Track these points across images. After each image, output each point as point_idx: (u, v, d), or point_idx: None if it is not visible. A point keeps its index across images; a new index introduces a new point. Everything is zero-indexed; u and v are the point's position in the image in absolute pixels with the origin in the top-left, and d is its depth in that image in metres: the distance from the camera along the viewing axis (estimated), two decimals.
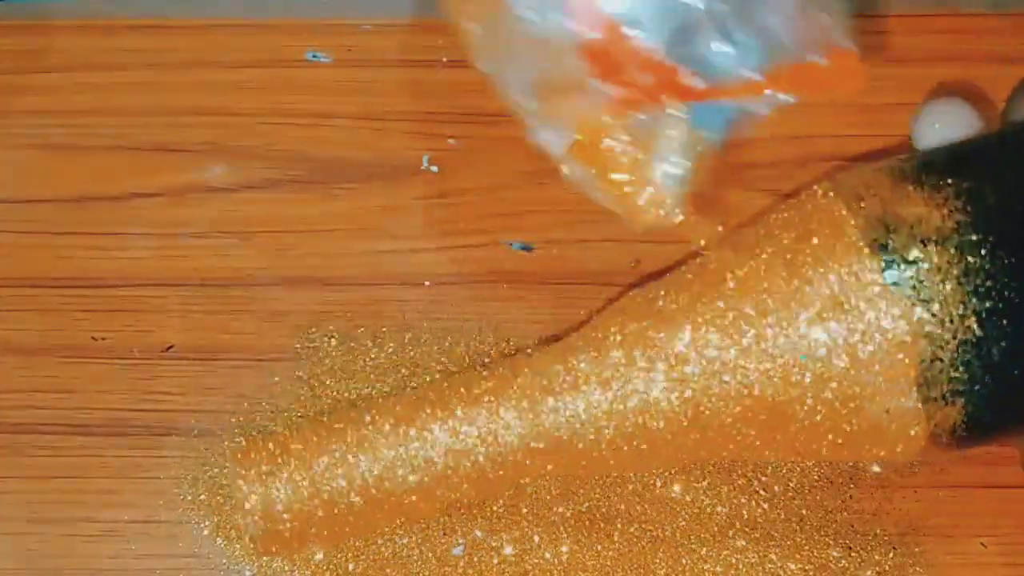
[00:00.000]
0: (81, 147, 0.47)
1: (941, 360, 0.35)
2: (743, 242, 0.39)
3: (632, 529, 0.42)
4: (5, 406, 0.44)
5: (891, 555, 0.42)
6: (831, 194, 0.38)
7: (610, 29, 0.39)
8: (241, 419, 0.44)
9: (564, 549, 0.42)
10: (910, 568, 0.42)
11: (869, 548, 0.42)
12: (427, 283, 0.46)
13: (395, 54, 0.49)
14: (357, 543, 0.42)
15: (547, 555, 0.42)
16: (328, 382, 0.44)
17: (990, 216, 0.36)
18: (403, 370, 0.44)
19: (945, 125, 0.43)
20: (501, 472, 0.39)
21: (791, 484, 0.42)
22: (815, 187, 0.39)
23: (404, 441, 0.38)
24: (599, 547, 0.42)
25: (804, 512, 0.42)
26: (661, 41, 0.39)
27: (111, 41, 0.49)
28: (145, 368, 0.45)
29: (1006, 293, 0.35)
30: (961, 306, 0.35)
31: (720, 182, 0.44)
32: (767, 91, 0.40)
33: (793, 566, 0.41)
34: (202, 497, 0.43)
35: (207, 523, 0.42)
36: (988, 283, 0.35)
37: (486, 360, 0.44)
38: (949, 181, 0.37)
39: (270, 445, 0.39)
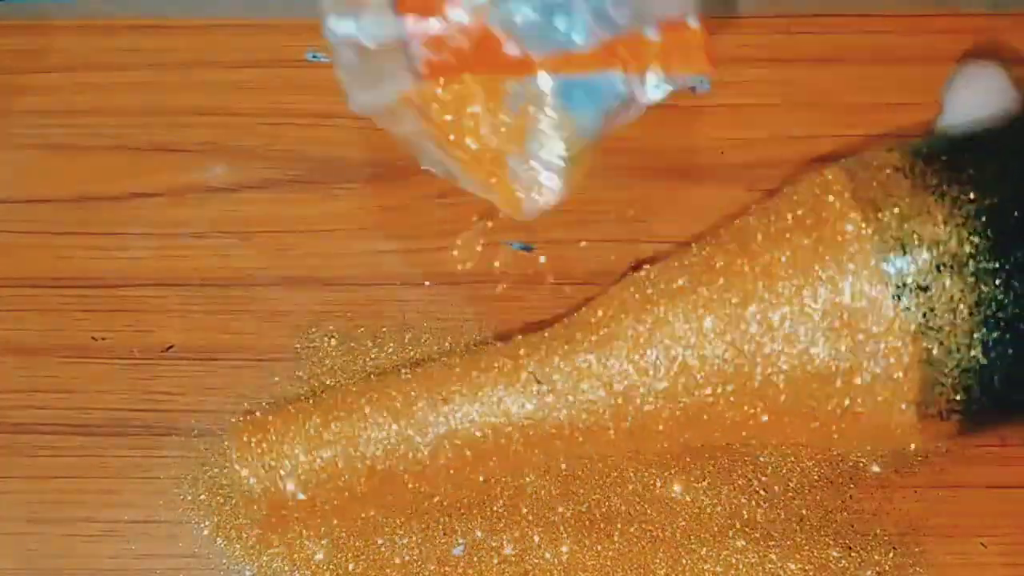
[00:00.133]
0: (81, 147, 0.47)
1: (942, 385, 0.35)
2: (747, 236, 0.39)
3: (632, 529, 0.42)
4: (5, 406, 0.44)
5: (891, 555, 0.42)
6: (846, 195, 0.37)
7: None
8: (241, 419, 0.44)
9: (564, 549, 0.42)
10: (910, 568, 0.42)
11: (869, 548, 0.42)
12: (427, 283, 0.46)
13: None
14: (357, 543, 0.42)
15: (547, 555, 0.42)
16: (328, 382, 0.44)
17: (1009, 240, 0.35)
18: (403, 370, 0.44)
19: (979, 92, 0.40)
20: (505, 451, 0.39)
21: (791, 484, 0.42)
22: (827, 176, 0.38)
23: (409, 417, 0.39)
24: (599, 547, 0.42)
25: (804, 512, 0.42)
26: (495, 5, 0.38)
27: (111, 41, 0.49)
28: (145, 368, 0.45)
29: (1015, 323, 0.35)
30: (969, 337, 0.35)
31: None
32: (612, 65, 0.38)
33: (793, 566, 0.41)
34: (202, 497, 0.43)
35: (207, 523, 0.42)
36: (999, 313, 0.35)
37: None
38: (971, 197, 0.36)
39: (270, 419, 0.40)
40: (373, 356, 0.44)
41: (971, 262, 0.35)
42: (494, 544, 0.42)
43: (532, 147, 0.39)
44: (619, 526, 0.42)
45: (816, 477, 0.42)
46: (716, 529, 0.42)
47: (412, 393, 0.39)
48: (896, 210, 0.36)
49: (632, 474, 0.42)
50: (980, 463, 0.42)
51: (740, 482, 0.42)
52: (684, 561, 0.41)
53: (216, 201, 0.47)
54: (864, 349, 0.35)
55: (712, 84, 0.47)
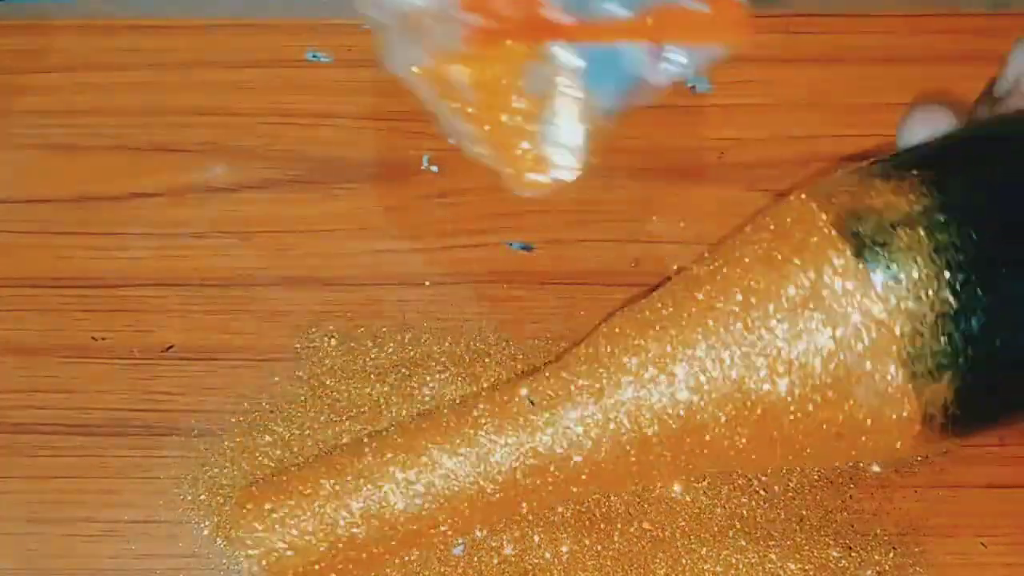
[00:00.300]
0: (81, 147, 0.47)
1: (921, 335, 0.36)
2: (724, 248, 0.39)
3: (632, 529, 0.42)
4: (5, 406, 0.44)
5: (891, 555, 0.42)
6: (803, 196, 0.38)
7: None
8: (241, 419, 0.44)
9: (564, 549, 0.42)
10: (910, 568, 0.42)
11: (869, 548, 0.42)
12: (427, 283, 0.46)
13: None
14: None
15: (547, 555, 0.42)
16: (328, 382, 0.44)
17: (954, 199, 0.36)
18: (403, 370, 0.44)
19: (927, 126, 0.43)
20: (501, 495, 0.39)
21: (791, 484, 0.42)
22: (791, 196, 0.40)
23: (403, 472, 0.38)
24: (599, 547, 0.42)
25: (804, 512, 0.42)
26: None
27: (111, 41, 0.49)
28: (145, 368, 0.45)
29: (977, 265, 0.36)
30: (935, 281, 0.36)
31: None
32: (651, 35, 0.38)
33: (793, 566, 0.41)
34: (202, 497, 0.43)
35: (207, 523, 0.42)
36: (959, 257, 0.36)
37: (486, 360, 0.44)
38: (914, 172, 0.37)
39: (263, 491, 0.39)
40: (373, 356, 0.44)
41: (922, 218, 0.36)
42: (494, 544, 0.42)
43: (550, 125, 0.39)
44: (619, 526, 0.42)
45: (816, 477, 0.42)
46: (716, 529, 0.42)
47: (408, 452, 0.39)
48: (847, 193, 0.37)
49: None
50: (980, 463, 0.42)
51: (740, 482, 0.42)
52: (684, 561, 0.41)
53: (216, 201, 0.47)
54: (842, 316, 0.36)
55: (712, 84, 0.47)
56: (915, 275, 0.36)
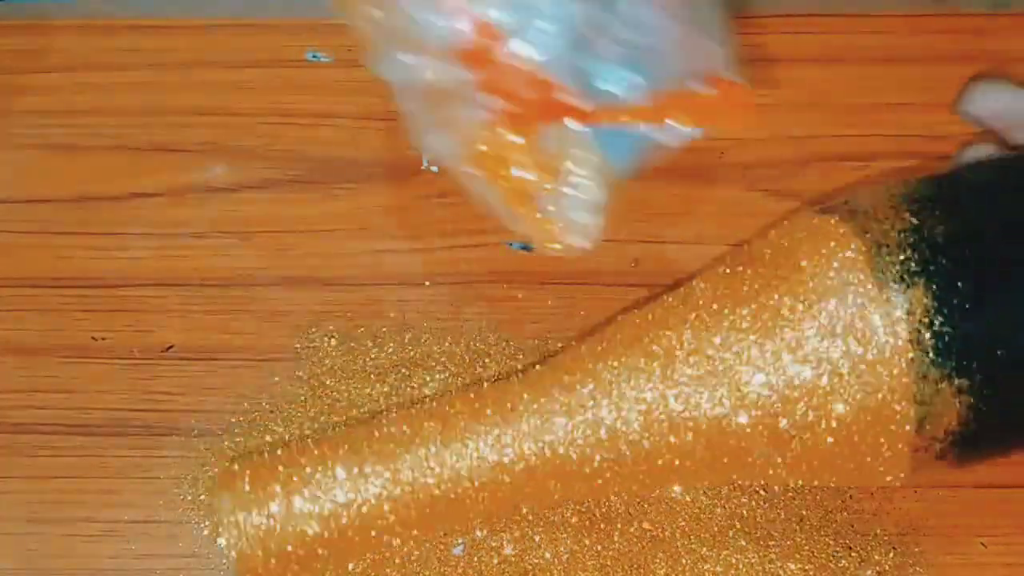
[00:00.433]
0: (81, 147, 0.47)
1: (928, 353, 0.35)
2: (732, 258, 0.39)
3: (632, 529, 0.42)
4: (5, 406, 0.44)
5: (891, 555, 0.42)
6: (826, 216, 0.38)
7: (485, 32, 0.38)
8: (241, 419, 0.44)
9: (564, 549, 0.42)
10: (910, 568, 0.42)
11: (869, 548, 0.42)
12: (427, 283, 0.46)
13: None
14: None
15: (547, 555, 0.42)
16: (328, 382, 0.44)
17: (963, 224, 0.37)
18: (403, 370, 0.44)
19: (991, 100, 0.44)
20: (488, 495, 0.39)
21: (791, 484, 0.42)
22: (804, 210, 0.39)
23: (400, 467, 0.38)
24: (599, 547, 0.42)
25: (804, 512, 0.42)
26: (544, 55, 0.38)
27: (111, 41, 0.49)
28: (145, 368, 0.45)
29: (985, 286, 0.36)
30: (944, 303, 0.35)
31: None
32: (661, 118, 0.39)
33: (793, 566, 0.41)
34: (202, 497, 0.43)
35: (207, 523, 0.42)
36: (966, 279, 0.35)
37: (486, 360, 0.44)
38: (927, 197, 0.37)
39: (251, 472, 0.39)
40: (373, 356, 0.44)
41: (934, 240, 0.36)
42: (494, 544, 0.42)
43: (566, 188, 0.40)
44: (619, 526, 0.42)
45: None
46: (716, 529, 0.42)
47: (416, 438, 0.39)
48: (880, 227, 0.37)
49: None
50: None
51: (740, 482, 0.42)
52: (684, 561, 0.41)
53: (216, 201, 0.47)
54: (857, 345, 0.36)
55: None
56: (925, 298, 0.35)
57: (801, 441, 0.37)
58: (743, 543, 0.42)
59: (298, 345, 0.45)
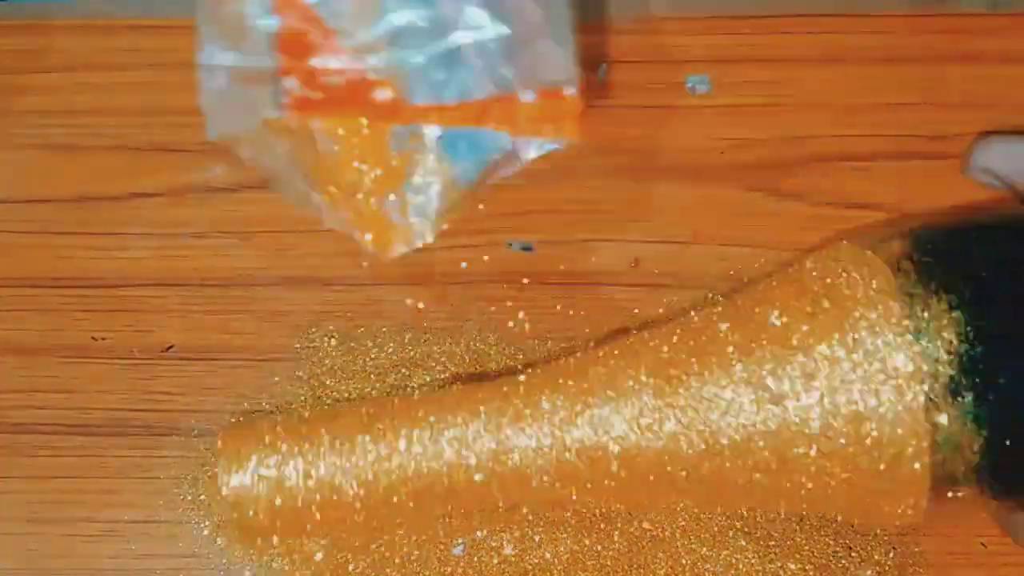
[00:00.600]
0: (81, 147, 0.47)
1: (949, 391, 0.35)
2: (757, 289, 0.39)
3: (632, 529, 0.42)
4: (5, 406, 0.44)
5: (891, 555, 0.42)
6: (850, 251, 0.38)
7: (305, 16, 0.37)
8: (241, 419, 0.44)
9: (564, 549, 0.42)
10: (910, 568, 0.42)
11: (869, 548, 0.42)
12: (428, 283, 0.46)
13: None
14: (356, 543, 0.42)
15: (547, 555, 0.42)
16: (328, 382, 0.44)
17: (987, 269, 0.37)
18: (403, 370, 0.44)
19: (1006, 157, 0.43)
20: (474, 490, 0.38)
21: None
22: (842, 242, 0.39)
23: (388, 447, 0.38)
24: (599, 547, 0.42)
25: (804, 512, 0.42)
26: (359, 45, 0.37)
27: (111, 41, 0.49)
28: (145, 368, 0.45)
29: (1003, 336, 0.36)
30: (964, 343, 0.35)
31: None
32: (480, 124, 0.38)
33: (793, 566, 0.41)
34: (202, 497, 0.43)
35: (207, 523, 0.42)
36: (987, 324, 0.35)
37: (486, 360, 0.44)
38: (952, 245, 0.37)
39: (256, 435, 0.38)
40: (373, 356, 0.44)
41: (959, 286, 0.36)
42: (494, 544, 0.42)
43: (409, 191, 0.39)
44: (619, 526, 0.42)
45: None
46: (716, 529, 0.42)
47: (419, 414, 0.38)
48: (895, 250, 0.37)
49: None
50: None
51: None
52: (684, 561, 0.41)
53: (216, 201, 0.47)
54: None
55: (712, 84, 0.47)
56: (949, 337, 0.35)
57: (810, 477, 0.36)
58: (743, 543, 0.42)
59: (298, 345, 0.45)
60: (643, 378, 0.37)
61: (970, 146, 0.44)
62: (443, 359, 0.44)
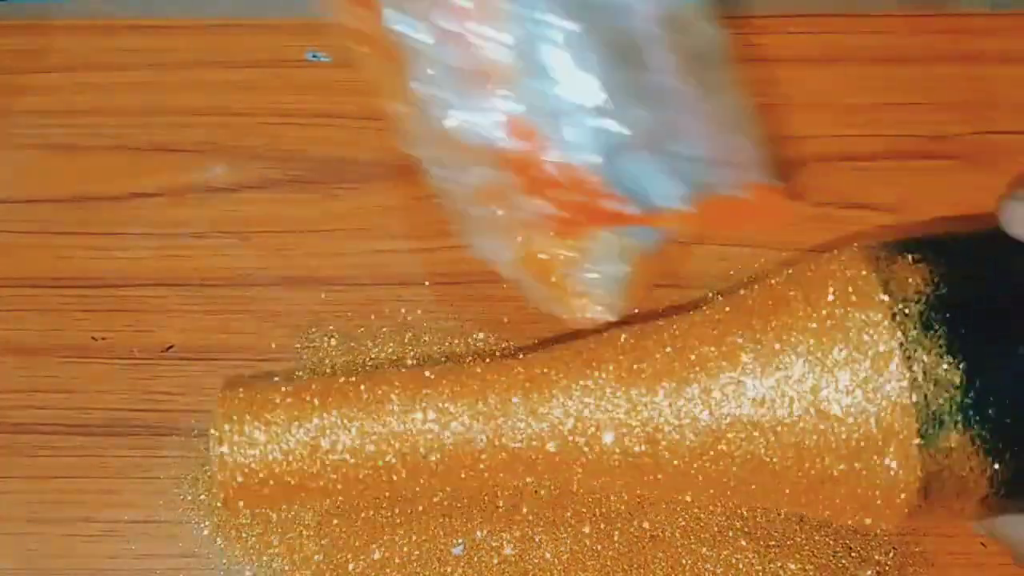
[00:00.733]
0: (81, 147, 0.47)
1: (940, 399, 0.35)
2: (746, 294, 0.39)
3: (632, 529, 0.42)
4: (5, 406, 0.44)
5: (891, 555, 0.42)
6: (844, 257, 0.38)
7: (520, 133, 0.38)
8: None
9: (564, 549, 0.42)
10: (910, 568, 0.42)
11: (869, 548, 0.42)
12: (427, 283, 0.46)
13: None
14: (356, 543, 0.42)
15: (547, 555, 0.42)
16: None
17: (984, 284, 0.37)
18: (403, 370, 0.44)
19: None
20: (467, 470, 0.38)
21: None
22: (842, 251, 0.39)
23: (401, 418, 0.38)
24: (599, 547, 0.42)
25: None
26: (587, 162, 0.38)
27: (111, 41, 0.49)
28: (145, 368, 0.45)
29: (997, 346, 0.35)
30: (956, 354, 0.35)
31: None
32: (702, 225, 0.40)
33: (793, 566, 0.41)
34: (202, 497, 0.43)
35: (207, 523, 0.42)
36: (981, 336, 0.35)
37: (486, 360, 0.44)
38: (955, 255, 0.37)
39: (257, 397, 0.39)
40: (373, 356, 0.44)
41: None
42: (494, 544, 0.42)
43: (595, 264, 0.40)
44: (619, 526, 0.42)
45: None
46: (716, 529, 0.42)
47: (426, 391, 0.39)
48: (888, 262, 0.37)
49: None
50: None
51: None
52: (684, 561, 0.41)
53: (216, 201, 0.47)
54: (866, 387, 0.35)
55: None
56: (937, 348, 0.35)
57: (799, 474, 0.36)
58: (743, 543, 0.42)
59: (298, 345, 0.45)
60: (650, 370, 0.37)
61: (1001, 207, 0.42)
62: (443, 359, 0.44)
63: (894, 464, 0.35)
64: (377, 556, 0.42)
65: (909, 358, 0.35)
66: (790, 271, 0.39)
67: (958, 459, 0.35)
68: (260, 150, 0.48)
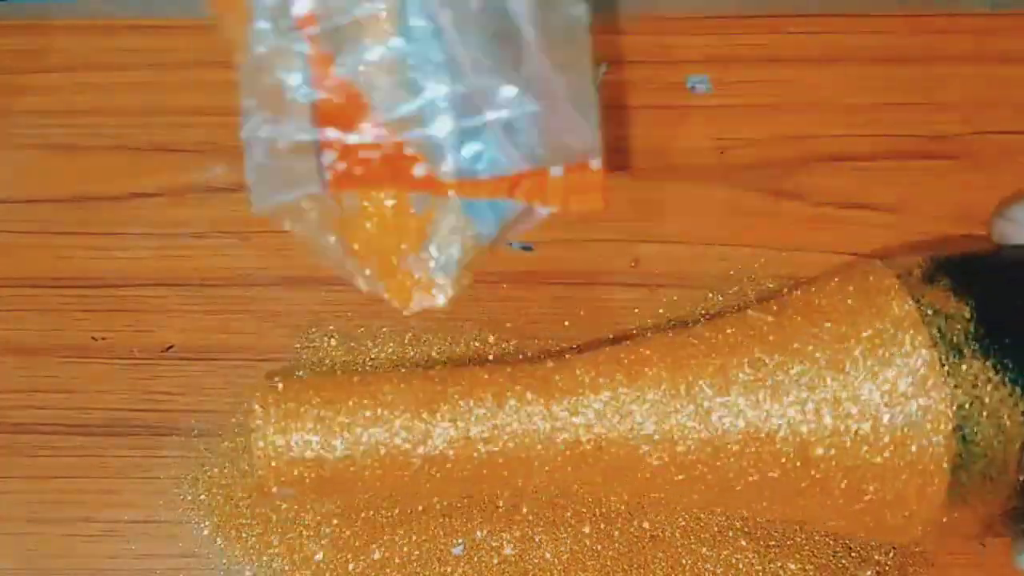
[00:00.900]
0: (81, 147, 0.47)
1: (974, 418, 0.35)
2: (792, 297, 0.39)
3: (632, 529, 0.42)
4: (5, 406, 0.44)
5: (891, 555, 0.42)
6: (881, 273, 0.38)
7: (343, 92, 0.37)
8: (241, 419, 0.44)
9: (564, 549, 0.42)
10: (910, 568, 0.42)
11: (869, 548, 0.42)
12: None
13: None
14: (356, 543, 0.42)
15: (547, 555, 0.42)
16: None
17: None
18: (403, 370, 0.44)
19: None
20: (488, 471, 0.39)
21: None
22: (859, 266, 0.39)
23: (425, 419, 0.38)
24: (599, 547, 0.42)
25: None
26: (395, 120, 0.37)
27: (111, 41, 0.49)
28: (145, 368, 0.45)
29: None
30: (992, 371, 0.35)
31: None
32: (514, 197, 0.39)
33: (793, 566, 0.41)
34: (202, 497, 0.43)
35: (207, 523, 0.42)
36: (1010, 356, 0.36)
37: (486, 360, 0.44)
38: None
39: (293, 395, 0.39)
40: (373, 356, 0.44)
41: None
42: (494, 544, 0.42)
43: (431, 248, 0.39)
44: (619, 526, 0.42)
45: None
46: (716, 529, 0.42)
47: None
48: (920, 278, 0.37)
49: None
50: None
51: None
52: (684, 561, 0.41)
53: (216, 201, 0.47)
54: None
55: (712, 84, 0.47)
56: (975, 366, 0.35)
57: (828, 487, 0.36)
58: (743, 543, 0.42)
59: (298, 345, 0.45)
60: (663, 374, 0.38)
61: (996, 211, 0.42)
62: (443, 359, 0.44)
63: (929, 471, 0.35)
64: (377, 556, 0.42)
65: (946, 373, 0.35)
66: (813, 287, 0.39)
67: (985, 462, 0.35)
68: None
